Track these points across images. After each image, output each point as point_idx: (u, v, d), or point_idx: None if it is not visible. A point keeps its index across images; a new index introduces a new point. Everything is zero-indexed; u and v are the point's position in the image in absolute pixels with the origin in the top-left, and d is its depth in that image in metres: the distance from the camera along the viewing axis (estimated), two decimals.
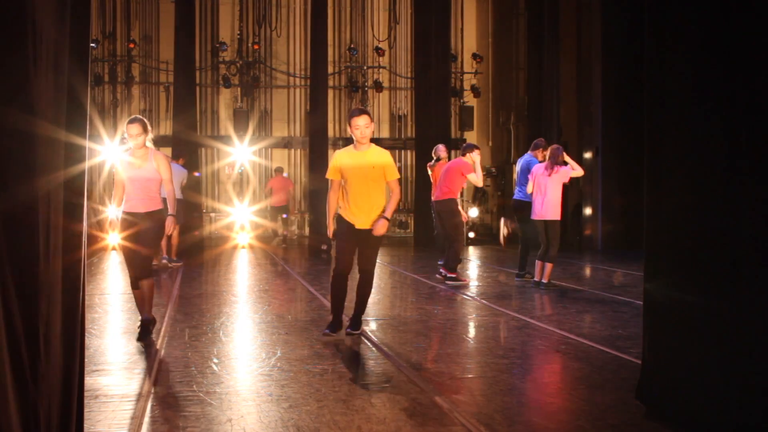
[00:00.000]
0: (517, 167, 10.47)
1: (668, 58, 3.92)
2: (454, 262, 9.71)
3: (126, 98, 19.17)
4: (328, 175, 6.21)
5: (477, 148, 9.76)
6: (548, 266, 9.20)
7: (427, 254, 14.57)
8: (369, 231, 6.08)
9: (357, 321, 6.27)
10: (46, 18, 2.46)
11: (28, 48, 2.34)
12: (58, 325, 2.57)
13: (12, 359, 2.20)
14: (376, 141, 22.61)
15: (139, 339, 5.99)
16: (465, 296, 8.78)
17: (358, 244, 6.12)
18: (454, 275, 9.64)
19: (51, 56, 2.53)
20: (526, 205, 9.62)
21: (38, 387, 2.37)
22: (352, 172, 6.06)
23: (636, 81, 12.39)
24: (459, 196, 9.95)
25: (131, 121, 6.09)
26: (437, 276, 9.86)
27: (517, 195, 10.12)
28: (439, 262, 10.38)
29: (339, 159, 6.16)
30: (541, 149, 9.91)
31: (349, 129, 6.14)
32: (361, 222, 6.09)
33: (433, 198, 10.33)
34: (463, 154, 9.76)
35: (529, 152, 10.11)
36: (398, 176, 6.26)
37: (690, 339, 3.71)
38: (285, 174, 17.84)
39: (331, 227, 6.22)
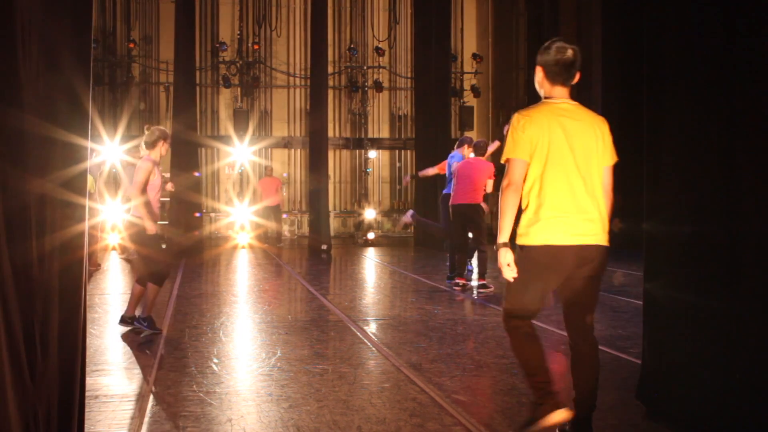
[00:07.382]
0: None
1: (666, 59, 3.92)
2: (484, 267, 9.09)
3: (126, 98, 19.16)
4: None
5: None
6: None
7: (427, 254, 14.57)
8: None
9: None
10: (38, 14, 2.43)
11: (17, 44, 2.30)
12: (56, 325, 2.56)
13: (11, 360, 2.19)
14: (375, 141, 22.30)
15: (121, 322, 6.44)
16: (465, 296, 8.77)
17: None
18: (484, 281, 9.08)
19: (46, 54, 2.49)
20: None
21: (37, 388, 2.36)
22: None
23: (636, 81, 12.35)
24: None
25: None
26: (480, 292, 8.92)
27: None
28: (467, 276, 9.47)
29: None
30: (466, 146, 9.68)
31: None
32: None
33: (457, 201, 9.15)
34: (482, 155, 9.18)
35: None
36: None
37: (690, 339, 3.71)
38: (273, 174, 17.94)
39: None
